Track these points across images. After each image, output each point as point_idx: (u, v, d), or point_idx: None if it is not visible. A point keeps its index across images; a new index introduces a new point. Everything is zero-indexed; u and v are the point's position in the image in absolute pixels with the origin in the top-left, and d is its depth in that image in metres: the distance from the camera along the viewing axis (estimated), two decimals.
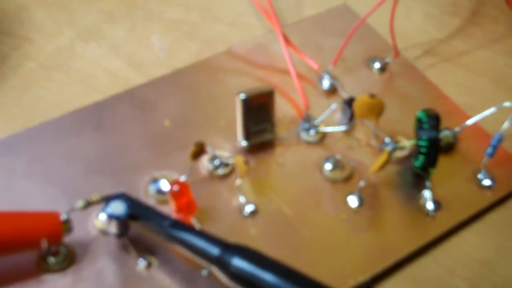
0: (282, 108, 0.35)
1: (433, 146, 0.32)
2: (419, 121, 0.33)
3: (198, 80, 0.36)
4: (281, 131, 0.34)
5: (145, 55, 0.38)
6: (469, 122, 0.34)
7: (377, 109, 0.33)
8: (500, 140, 0.33)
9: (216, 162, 0.32)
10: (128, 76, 0.36)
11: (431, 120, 0.32)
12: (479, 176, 0.34)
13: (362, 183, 0.32)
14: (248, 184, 0.32)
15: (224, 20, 0.40)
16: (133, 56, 0.38)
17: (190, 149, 0.31)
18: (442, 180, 0.34)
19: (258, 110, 0.33)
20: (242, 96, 0.32)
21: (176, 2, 0.40)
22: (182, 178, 0.31)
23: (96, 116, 0.34)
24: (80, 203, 0.29)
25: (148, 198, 0.31)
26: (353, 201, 0.32)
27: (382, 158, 0.32)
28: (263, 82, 0.36)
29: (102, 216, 0.30)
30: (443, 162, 0.34)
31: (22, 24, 0.38)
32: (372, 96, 0.33)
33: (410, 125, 0.34)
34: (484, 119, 0.34)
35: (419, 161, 0.32)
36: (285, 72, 0.36)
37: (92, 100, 0.35)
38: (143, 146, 0.33)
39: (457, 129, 0.34)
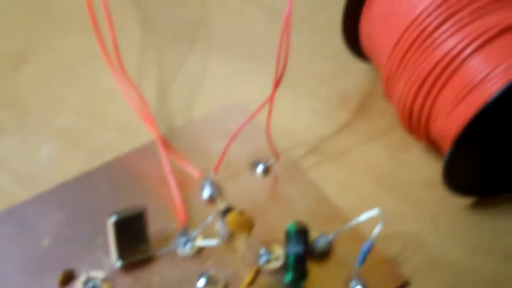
0: (164, 220, 0.36)
1: (300, 262, 0.33)
2: (287, 236, 0.34)
3: (80, 194, 0.37)
4: (160, 245, 0.35)
5: (32, 168, 0.38)
6: (344, 228, 0.35)
7: (247, 225, 0.34)
8: (369, 248, 0.34)
9: (90, 284, 0.33)
10: (13, 192, 0.37)
11: (298, 235, 0.33)
12: (351, 284, 0.35)
13: None
14: None
15: (113, 125, 0.41)
16: (21, 169, 0.38)
17: (59, 276, 0.32)
18: None
19: (131, 231, 0.34)
20: (112, 219, 0.33)
21: (68, 109, 0.41)
22: None
23: None
24: None
25: None
26: None
27: (248, 277, 0.33)
28: (148, 193, 0.37)
29: None
30: (317, 270, 0.35)
31: None
32: (241, 212, 0.34)
33: None
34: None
35: (288, 276, 0.33)
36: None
37: None
38: (18, 270, 0.34)
39: (330, 236, 0.35)
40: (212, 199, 0.37)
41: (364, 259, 0.34)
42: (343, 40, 0.41)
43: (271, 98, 0.36)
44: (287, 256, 0.33)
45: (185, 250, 0.35)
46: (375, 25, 0.39)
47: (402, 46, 0.37)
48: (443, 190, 0.37)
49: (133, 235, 0.34)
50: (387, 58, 0.38)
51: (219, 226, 0.36)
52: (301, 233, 0.33)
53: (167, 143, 0.38)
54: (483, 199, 0.38)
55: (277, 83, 0.36)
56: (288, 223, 0.34)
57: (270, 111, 0.37)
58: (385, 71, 0.38)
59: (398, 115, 0.38)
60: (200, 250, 0.35)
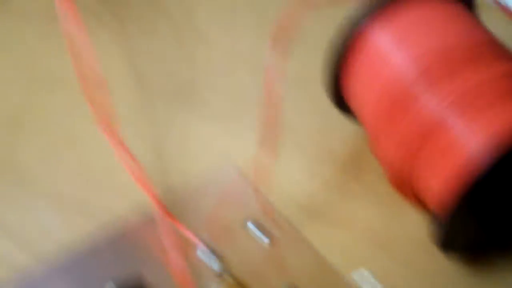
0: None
1: None
2: None
3: (82, 263, 0.38)
4: None
5: (34, 235, 0.39)
6: None
7: None
8: None
9: None
10: (16, 259, 0.38)
11: None
12: None
13: None
14: None
15: (112, 189, 0.41)
16: (23, 236, 0.39)
17: None
18: None
19: None
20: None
21: (66, 174, 0.42)
22: None
23: None
24: None
25: None
26: None
27: None
28: (148, 261, 0.37)
29: None
30: None
31: None
32: (239, 282, 0.35)
33: None
34: None
35: None
36: None
37: None
38: None
39: None
40: (210, 267, 0.38)
41: None
42: (330, 99, 0.42)
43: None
44: None
45: None
46: (358, 86, 0.40)
47: (383, 107, 0.37)
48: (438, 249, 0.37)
49: None
50: (370, 120, 0.39)
51: None
52: None
53: (166, 210, 0.39)
54: (478, 259, 0.39)
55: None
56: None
57: (267, 180, 0.38)
58: (370, 132, 0.39)
59: (386, 174, 0.39)
60: None
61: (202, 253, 0.38)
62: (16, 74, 0.47)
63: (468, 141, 0.35)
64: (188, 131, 0.45)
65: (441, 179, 0.36)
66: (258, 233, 0.39)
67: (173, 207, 0.40)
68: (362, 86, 0.39)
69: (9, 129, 0.44)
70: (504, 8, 0.46)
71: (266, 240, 0.39)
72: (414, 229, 0.40)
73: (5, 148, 0.43)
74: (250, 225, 0.39)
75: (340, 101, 0.42)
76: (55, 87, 0.46)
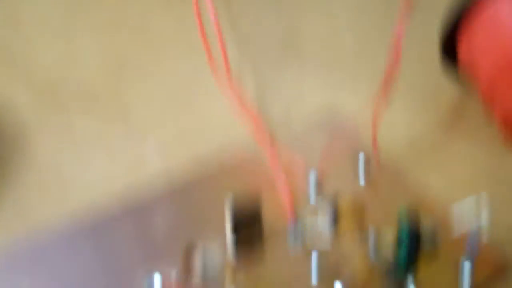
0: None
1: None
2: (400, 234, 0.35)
3: (193, 188, 0.38)
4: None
5: (140, 158, 0.40)
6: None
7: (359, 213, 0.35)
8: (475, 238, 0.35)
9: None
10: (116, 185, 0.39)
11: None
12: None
13: None
14: None
15: (220, 127, 0.42)
16: (130, 161, 0.40)
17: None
18: None
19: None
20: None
21: (169, 112, 0.43)
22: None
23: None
24: None
25: None
26: None
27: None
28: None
29: None
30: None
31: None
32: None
33: None
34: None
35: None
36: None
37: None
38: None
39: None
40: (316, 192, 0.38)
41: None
42: (440, 55, 0.43)
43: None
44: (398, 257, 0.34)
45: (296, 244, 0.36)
46: (476, 47, 0.40)
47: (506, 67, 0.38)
48: None
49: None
50: (488, 78, 0.39)
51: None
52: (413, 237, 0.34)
53: (273, 140, 0.40)
54: None
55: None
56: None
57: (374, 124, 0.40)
58: (485, 89, 0.39)
59: (501, 127, 0.40)
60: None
61: (310, 180, 0.38)
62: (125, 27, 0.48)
63: None
64: (294, 79, 0.45)
65: None
66: (362, 168, 0.40)
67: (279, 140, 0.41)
68: (482, 47, 0.40)
69: (114, 71, 0.45)
70: None
71: (363, 181, 0.39)
72: None
73: (110, 88, 0.44)
74: (361, 156, 0.40)
75: (451, 59, 0.42)
76: (162, 38, 0.47)
